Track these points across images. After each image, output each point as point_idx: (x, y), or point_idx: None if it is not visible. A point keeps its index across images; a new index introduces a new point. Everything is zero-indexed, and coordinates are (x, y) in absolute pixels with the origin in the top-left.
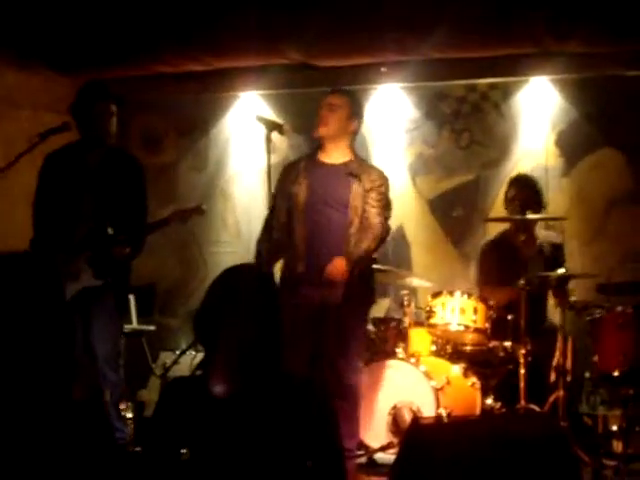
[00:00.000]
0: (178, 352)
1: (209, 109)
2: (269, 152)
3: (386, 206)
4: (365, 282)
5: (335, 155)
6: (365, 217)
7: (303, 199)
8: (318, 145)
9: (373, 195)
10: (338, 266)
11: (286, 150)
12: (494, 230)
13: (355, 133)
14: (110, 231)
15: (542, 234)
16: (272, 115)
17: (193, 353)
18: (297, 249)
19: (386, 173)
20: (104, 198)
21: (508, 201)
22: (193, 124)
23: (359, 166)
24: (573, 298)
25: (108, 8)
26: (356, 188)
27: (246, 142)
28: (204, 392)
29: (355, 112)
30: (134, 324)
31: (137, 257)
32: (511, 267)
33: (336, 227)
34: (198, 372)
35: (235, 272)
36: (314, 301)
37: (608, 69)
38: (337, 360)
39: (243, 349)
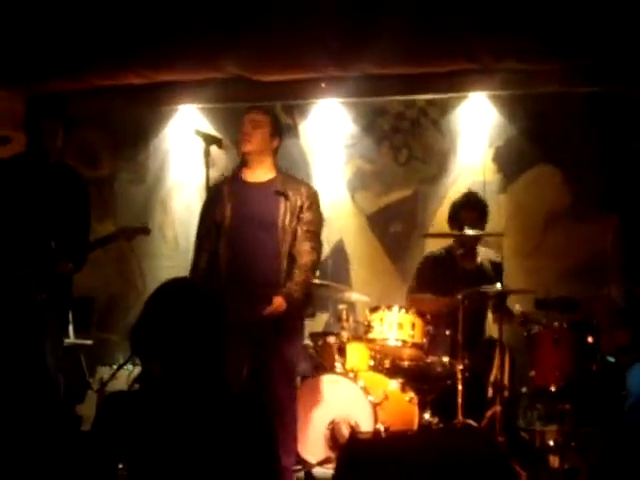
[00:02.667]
0: (115, 367)
1: (148, 122)
2: (207, 166)
3: (319, 226)
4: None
5: (259, 173)
6: (297, 240)
7: (229, 221)
8: (241, 164)
9: (306, 216)
10: (278, 306)
11: (224, 164)
12: (433, 246)
13: (276, 151)
14: (53, 246)
15: (482, 251)
16: (211, 129)
17: (130, 367)
18: (220, 272)
19: (313, 185)
20: (48, 213)
21: (454, 220)
22: (132, 137)
23: (284, 182)
24: (518, 307)
25: (48, 21)
26: (284, 207)
27: (185, 156)
28: (141, 406)
29: (277, 129)
30: (72, 338)
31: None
32: (449, 282)
33: (263, 248)
34: (136, 386)
35: (173, 286)
36: (243, 321)
37: (545, 86)
38: (273, 375)
39: (181, 363)
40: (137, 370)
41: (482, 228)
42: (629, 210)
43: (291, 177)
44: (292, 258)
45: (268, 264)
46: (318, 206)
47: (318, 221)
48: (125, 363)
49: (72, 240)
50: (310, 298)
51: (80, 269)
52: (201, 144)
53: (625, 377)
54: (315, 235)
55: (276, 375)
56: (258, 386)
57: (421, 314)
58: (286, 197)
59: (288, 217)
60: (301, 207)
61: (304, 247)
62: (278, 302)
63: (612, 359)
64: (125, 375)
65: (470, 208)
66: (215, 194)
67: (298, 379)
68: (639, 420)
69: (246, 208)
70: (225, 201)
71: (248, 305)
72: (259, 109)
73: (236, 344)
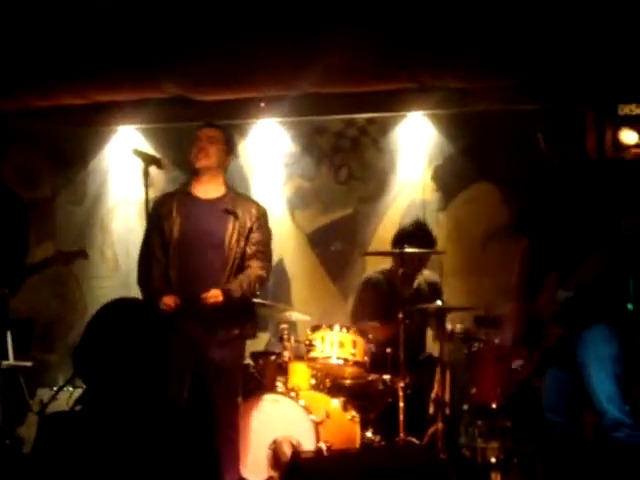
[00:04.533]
0: (56, 388)
1: (87, 143)
2: (147, 186)
3: (268, 246)
4: (245, 316)
5: (210, 189)
6: (245, 258)
7: (177, 236)
8: (190, 179)
9: (255, 236)
10: (213, 296)
11: (164, 184)
12: (373, 265)
13: (227, 168)
14: None
15: (420, 273)
16: (150, 149)
17: (71, 389)
18: (171, 286)
19: (262, 204)
20: None
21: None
22: (70, 158)
23: (234, 200)
24: (459, 326)
25: None
26: (232, 226)
27: (124, 176)
28: (83, 427)
29: (230, 146)
30: (11, 360)
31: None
32: (388, 305)
33: (211, 266)
34: (77, 407)
35: (115, 306)
36: (191, 336)
37: (483, 104)
38: (216, 394)
39: (124, 383)
40: (78, 392)
41: (426, 257)
42: (538, 233)
43: (241, 195)
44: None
45: (215, 282)
46: (267, 225)
47: (267, 241)
48: (66, 384)
49: (8, 264)
50: (254, 318)
51: (15, 294)
52: (140, 164)
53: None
54: (265, 255)
55: (219, 394)
56: (201, 405)
57: (363, 333)
58: (235, 216)
59: (236, 236)
60: (250, 228)
61: (253, 264)
62: (215, 292)
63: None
64: (66, 397)
65: (417, 238)
66: (164, 208)
67: (240, 399)
68: (556, 435)
69: (195, 224)
70: (174, 216)
71: (195, 323)
72: (213, 125)
73: (180, 362)
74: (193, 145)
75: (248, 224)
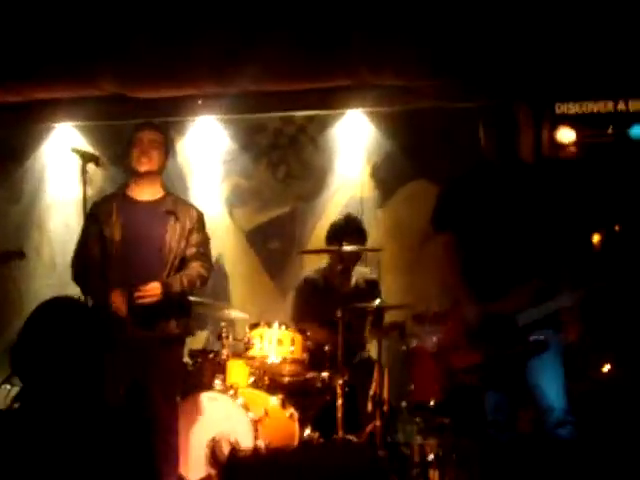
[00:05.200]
0: None
1: (24, 140)
2: (84, 184)
3: (207, 247)
4: (183, 314)
5: (149, 192)
6: (185, 260)
7: (117, 239)
8: (129, 181)
9: (194, 238)
10: (152, 289)
11: (102, 182)
12: (311, 263)
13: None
14: None
15: (357, 271)
16: (88, 147)
17: (8, 387)
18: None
19: (199, 208)
20: None
21: (332, 240)
22: (7, 155)
23: (174, 202)
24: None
25: None
26: (173, 227)
27: (62, 174)
28: (19, 425)
29: (169, 148)
30: None
31: None
32: (327, 304)
33: (150, 268)
34: (15, 405)
35: (51, 305)
36: (130, 337)
37: (421, 101)
38: (154, 392)
39: (61, 381)
40: (15, 390)
41: (360, 253)
42: (462, 227)
43: (180, 199)
44: None
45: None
46: (204, 228)
47: (206, 242)
48: (3, 382)
49: None
50: (190, 316)
51: None
52: (78, 162)
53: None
54: (205, 256)
55: (157, 392)
56: (139, 403)
57: (302, 331)
58: (177, 217)
59: (176, 238)
60: (190, 230)
61: (194, 264)
62: (154, 285)
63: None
64: (3, 394)
65: (351, 234)
66: (103, 211)
67: (178, 399)
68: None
69: (135, 227)
70: (114, 219)
71: (133, 321)
72: (153, 127)
73: (117, 361)
74: (133, 147)
75: (188, 225)
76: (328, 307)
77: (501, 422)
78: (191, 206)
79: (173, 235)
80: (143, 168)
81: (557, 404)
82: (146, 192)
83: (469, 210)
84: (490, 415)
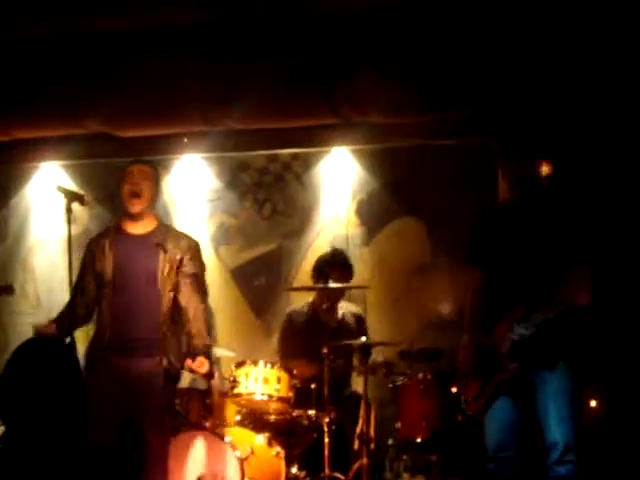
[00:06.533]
0: None
1: (8, 179)
2: (69, 222)
3: (202, 276)
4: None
5: (141, 225)
6: (181, 293)
7: (110, 274)
8: (122, 215)
9: (187, 269)
10: (200, 364)
11: (87, 221)
12: (298, 300)
13: (156, 203)
14: None
15: (344, 306)
16: (73, 186)
17: None
18: (103, 325)
19: (194, 237)
20: None
21: (319, 275)
22: None
23: (165, 233)
24: (379, 357)
25: None
26: (162, 259)
27: (47, 212)
28: (4, 465)
29: (160, 182)
30: None
31: None
32: (314, 338)
33: (146, 300)
34: None
35: (34, 344)
36: (123, 373)
37: (406, 139)
38: (146, 432)
39: (44, 421)
40: None
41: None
42: (491, 265)
43: (172, 229)
44: (179, 310)
45: (149, 316)
46: (200, 256)
47: (201, 273)
48: None
49: None
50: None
51: None
52: (63, 200)
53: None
54: (201, 288)
55: (149, 430)
56: (130, 441)
57: (288, 369)
58: (165, 250)
59: (167, 270)
60: (181, 260)
61: (193, 300)
62: (201, 360)
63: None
64: None
65: (336, 267)
66: (97, 245)
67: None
68: (499, 469)
69: (128, 260)
70: (106, 253)
71: (128, 358)
72: (144, 162)
73: (110, 398)
74: (124, 183)
75: (178, 256)
76: (314, 341)
77: (504, 457)
78: (183, 236)
79: (164, 267)
80: (135, 209)
81: (561, 439)
82: (139, 226)
83: (500, 245)
84: (492, 449)
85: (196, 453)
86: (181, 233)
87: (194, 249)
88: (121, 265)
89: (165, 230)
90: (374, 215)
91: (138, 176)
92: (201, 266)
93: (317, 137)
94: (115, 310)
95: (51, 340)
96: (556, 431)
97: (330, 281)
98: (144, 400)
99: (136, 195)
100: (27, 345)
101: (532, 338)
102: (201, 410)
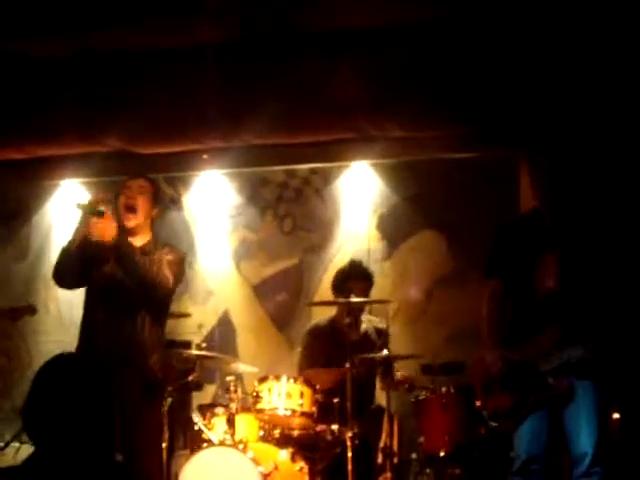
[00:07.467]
0: (2, 444)
1: (29, 197)
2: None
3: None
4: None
5: (139, 238)
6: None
7: (109, 271)
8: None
9: (168, 257)
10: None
11: None
12: (319, 315)
13: (155, 219)
14: None
15: (367, 319)
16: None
17: (17, 445)
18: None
19: (182, 251)
20: None
21: (339, 288)
22: (13, 213)
23: (155, 245)
24: (400, 373)
25: None
26: (149, 263)
27: (68, 230)
28: None
29: (157, 197)
30: None
31: None
32: (336, 352)
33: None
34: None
35: (58, 362)
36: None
37: (426, 153)
38: (140, 446)
39: (73, 440)
40: (25, 447)
41: (367, 296)
42: (510, 275)
43: (161, 243)
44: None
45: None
46: (181, 264)
47: (179, 269)
48: (12, 440)
49: None
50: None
51: None
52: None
53: (511, 441)
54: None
55: (142, 446)
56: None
57: (310, 384)
58: (151, 260)
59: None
60: (160, 258)
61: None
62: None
63: (494, 424)
64: (12, 453)
65: (356, 277)
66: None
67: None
68: None
69: (126, 267)
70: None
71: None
72: (143, 176)
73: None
74: (120, 196)
75: (157, 257)
76: (336, 355)
77: (533, 469)
78: (170, 250)
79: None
80: (129, 224)
81: (590, 451)
82: (137, 238)
83: (519, 256)
84: (522, 461)
85: (219, 469)
86: (170, 245)
87: (177, 258)
88: (116, 274)
89: (155, 243)
90: (395, 229)
91: (136, 190)
92: (181, 267)
93: (336, 152)
94: (104, 324)
95: (75, 355)
96: (586, 443)
97: (352, 295)
98: (133, 416)
99: (132, 209)
100: (53, 363)
101: (591, 359)
102: (224, 426)
